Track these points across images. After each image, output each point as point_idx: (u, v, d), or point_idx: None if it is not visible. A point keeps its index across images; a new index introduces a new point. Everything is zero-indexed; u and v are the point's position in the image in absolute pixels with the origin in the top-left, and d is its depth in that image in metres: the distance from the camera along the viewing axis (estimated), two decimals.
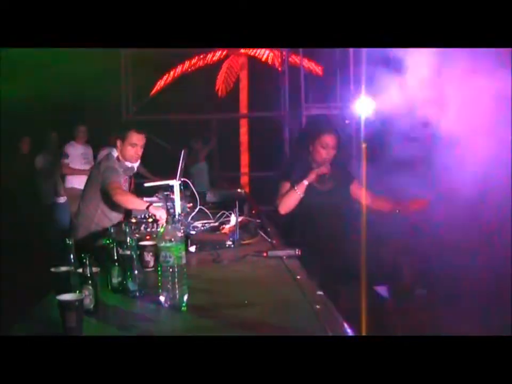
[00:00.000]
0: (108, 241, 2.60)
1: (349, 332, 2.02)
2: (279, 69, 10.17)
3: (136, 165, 4.22)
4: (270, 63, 10.95)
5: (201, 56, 11.10)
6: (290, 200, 3.98)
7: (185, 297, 2.31)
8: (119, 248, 2.58)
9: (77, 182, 7.33)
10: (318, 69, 10.66)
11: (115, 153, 4.08)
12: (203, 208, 4.35)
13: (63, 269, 2.41)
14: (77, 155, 7.71)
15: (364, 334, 2.65)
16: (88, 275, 2.23)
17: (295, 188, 3.97)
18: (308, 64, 10.22)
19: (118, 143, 4.09)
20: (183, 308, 2.29)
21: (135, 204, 3.94)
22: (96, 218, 3.94)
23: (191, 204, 4.52)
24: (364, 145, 3.18)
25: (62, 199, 7.76)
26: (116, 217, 4.03)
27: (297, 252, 3.18)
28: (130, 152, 4.11)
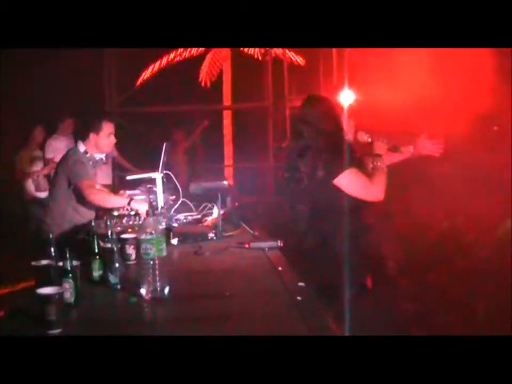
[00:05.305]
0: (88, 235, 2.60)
1: (329, 323, 2.04)
2: (263, 60, 10.16)
3: (104, 155, 4.17)
4: (253, 55, 10.92)
5: (185, 49, 11.05)
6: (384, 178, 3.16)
7: (166, 290, 2.32)
8: (100, 242, 2.58)
9: None
10: (300, 60, 10.66)
11: (82, 147, 4.02)
12: (186, 200, 4.35)
13: (44, 262, 2.41)
14: (62, 148, 7.57)
15: (345, 327, 2.65)
16: (69, 268, 2.23)
17: (377, 163, 3.17)
18: (290, 55, 10.22)
19: (91, 136, 3.99)
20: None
21: (113, 202, 3.92)
22: (67, 216, 3.87)
23: (174, 197, 4.52)
24: (346, 138, 3.18)
25: (43, 194, 7.67)
26: (86, 212, 3.95)
27: (279, 243, 3.19)
28: (107, 143, 4.04)
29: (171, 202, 4.38)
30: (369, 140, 3.28)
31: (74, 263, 2.27)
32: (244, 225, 3.73)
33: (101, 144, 4.01)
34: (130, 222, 3.66)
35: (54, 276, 2.28)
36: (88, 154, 3.99)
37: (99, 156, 4.06)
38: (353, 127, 3.29)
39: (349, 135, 3.22)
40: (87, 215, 3.93)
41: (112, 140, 4.08)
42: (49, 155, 7.44)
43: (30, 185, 7.68)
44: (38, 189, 7.67)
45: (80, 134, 4.09)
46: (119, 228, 3.44)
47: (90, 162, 4.00)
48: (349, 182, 3.05)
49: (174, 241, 3.33)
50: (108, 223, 2.77)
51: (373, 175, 3.13)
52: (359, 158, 3.26)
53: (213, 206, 4.03)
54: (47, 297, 2.00)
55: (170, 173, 4.50)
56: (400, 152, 3.36)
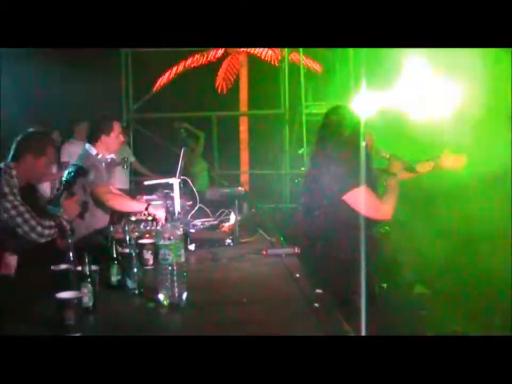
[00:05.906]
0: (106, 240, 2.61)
1: (347, 329, 2.03)
2: (279, 66, 10.17)
3: (114, 155, 4.26)
4: (270, 61, 10.93)
5: (202, 54, 11.09)
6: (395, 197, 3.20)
7: (184, 295, 2.32)
8: (118, 247, 2.59)
9: None
10: (317, 67, 10.65)
11: (92, 150, 4.08)
12: (203, 206, 4.35)
13: (63, 266, 2.42)
14: (77, 153, 7.59)
15: (363, 333, 2.64)
16: (87, 273, 2.24)
17: (391, 182, 3.21)
18: (307, 61, 10.21)
19: (103, 138, 4.10)
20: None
21: (131, 206, 3.97)
22: (85, 220, 3.90)
23: (191, 202, 4.52)
24: (363, 144, 3.18)
25: None
26: (102, 216, 4.00)
27: (296, 250, 3.18)
28: (117, 142, 4.20)
29: (188, 207, 4.39)
30: (387, 156, 3.30)
31: (93, 267, 2.28)
32: (260, 231, 3.73)
33: (112, 144, 4.13)
34: (148, 228, 3.67)
35: (72, 281, 2.29)
36: (100, 156, 4.06)
37: (110, 156, 4.15)
38: (371, 141, 3.30)
39: (368, 150, 3.23)
40: (103, 219, 3.96)
41: (121, 138, 4.21)
42: (64, 159, 7.46)
43: (45, 188, 7.70)
44: (53, 192, 7.69)
45: (92, 137, 4.16)
46: (136, 233, 3.45)
47: (103, 164, 4.08)
48: (357, 199, 3.08)
49: (191, 246, 3.33)
50: (126, 228, 2.78)
51: (384, 193, 3.17)
52: (374, 174, 3.27)
53: (230, 212, 4.03)
54: (65, 301, 2.01)
55: (187, 178, 4.51)
56: (415, 172, 3.37)
